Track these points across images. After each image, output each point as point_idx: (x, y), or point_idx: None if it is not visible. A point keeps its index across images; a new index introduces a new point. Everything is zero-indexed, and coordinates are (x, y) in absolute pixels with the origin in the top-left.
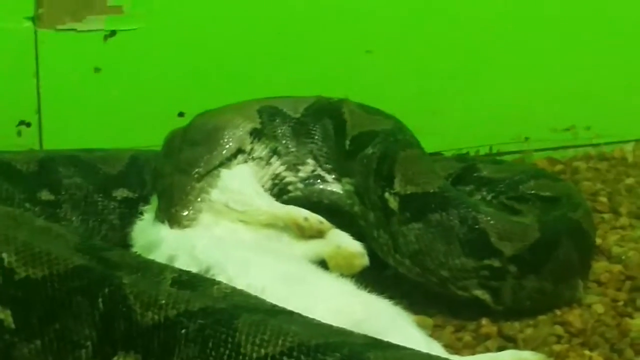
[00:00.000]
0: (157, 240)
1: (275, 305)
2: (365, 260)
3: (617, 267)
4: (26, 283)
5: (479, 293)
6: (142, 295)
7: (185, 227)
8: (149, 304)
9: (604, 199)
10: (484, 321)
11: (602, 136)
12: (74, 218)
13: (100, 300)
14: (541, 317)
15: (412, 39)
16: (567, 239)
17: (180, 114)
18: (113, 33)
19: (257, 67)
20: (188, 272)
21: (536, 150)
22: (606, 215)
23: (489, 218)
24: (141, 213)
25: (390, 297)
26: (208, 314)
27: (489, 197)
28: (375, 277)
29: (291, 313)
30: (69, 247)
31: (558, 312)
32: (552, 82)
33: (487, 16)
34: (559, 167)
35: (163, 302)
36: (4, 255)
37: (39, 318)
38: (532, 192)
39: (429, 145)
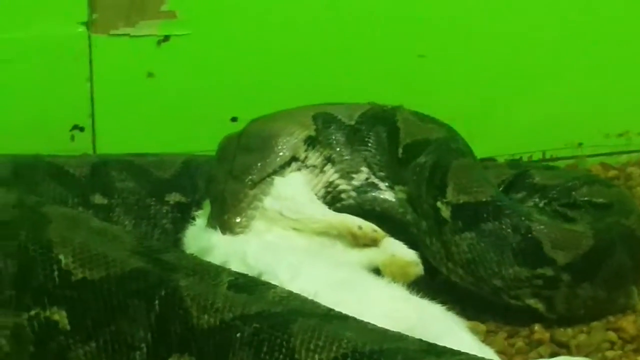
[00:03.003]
0: (209, 246)
1: (331, 310)
2: (420, 269)
3: None
4: (83, 285)
5: (532, 302)
6: (198, 298)
7: (237, 233)
8: (205, 307)
9: None
10: (537, 327)
11: None
12: (126, 222)
13: (156, 302)
14: (594, 324)
15: (464, 44)
16: (620, 246)
17: (233, 119)
18: (166, 38)
19: (309, 72)
20: (245, 276)
21: (589, 156)
22: None
23: (542, 227)
24: (193, 218)
25: (443, 303)
26: (264, 318)
27: (541, 204)
28: (427, 283)
29: (346, 318)
30: (126, 249)
31: (611, 319)
32: (606, 87)
33: (540, 20)
34: (612, 173)
35: (219, 305)
36: (61, 256)
37: (95, 320)
38: (585, 198)
39: (481, 150)
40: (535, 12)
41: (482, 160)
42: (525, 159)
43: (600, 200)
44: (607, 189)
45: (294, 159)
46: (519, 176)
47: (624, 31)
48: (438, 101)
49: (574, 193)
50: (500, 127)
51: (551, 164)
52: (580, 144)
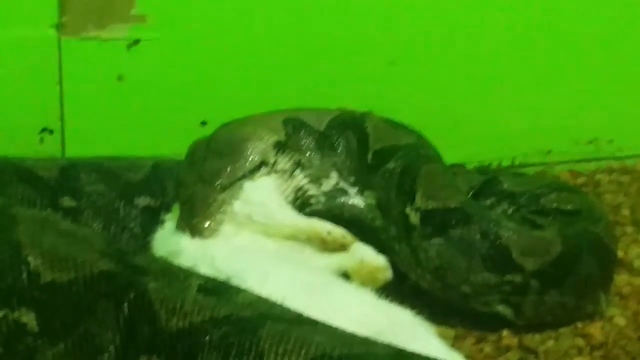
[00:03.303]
0: (177, 250)
1: (300, 314)
2: (389, 274)
3: (639, 280)
4: (51, 286)
5: (500, 308)
6: (167, 301)
7: (206, 237)
8: (174, 309)
9: (626, 212)
10: (505, 333)
11: (625, 149)
12: (95, 225)
13: (125, 305)
14: (562, 330)
15: (435, 51)
16: (588, 253)
17: (203, 123)
18: (136, 41)
19: (279, 77)
20: (214, 279)
21: (558, 163)
22: (628, 229)
23: (510, 233)
24: (162, 222)
25: (412, 308)
26: (233, 321)
27: (510, 211)
28: (396, 288)
29: (316, 322)
30: (95, 251)
31: (579, 325)
32: (575, 94)
33: (511, 28)
34: (581, 180)
35: (188, 308)
36: (30, 258)
37: (63, 322)
38: (554, 205)
39: (451, 156)
40: (505, 20)
41: (452, 166)
42: (494, 165)
43: (569, 207)
44: (576, 196)
45: (263, 163)
46: (488, 182)
47: (593, 40)
48: (408, 107)
49: (542, 200)
50: (470, 133)
51: (520, 170)
52: (549, 151)
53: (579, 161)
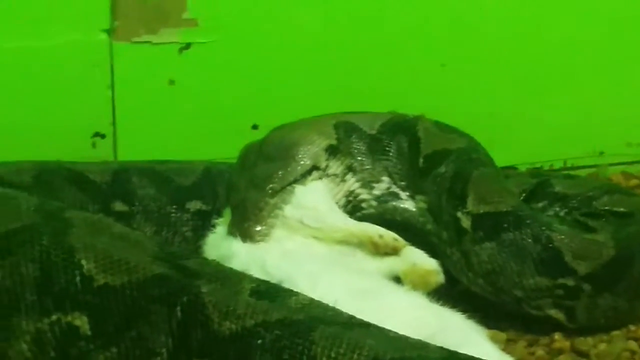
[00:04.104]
0: (229, 254)
1: (353, 317)
2: (440, 278)
3: None
4: (104, 290)
5: (553, 312)
6: (220, 304)
7: (257, 242)
8: (227, 313)
9: None
10: (557, 336)
11: None
12: (147, 229)
13: (178, 308)
14: (615, 333)
15: (485, 52)
16: None
17: (254, 127)
18: (188, 45)
19: (330, 80)
20: (266, 283)
21: (611, 165)
22: None
23: (563, 236)
24: (214, 226)
25: (463, 311)
26: (285, 325)
27: (562, 213)
28: (447, 291)
29: (368, 325)
30: (148, 254)
31: (632, 328)
32: (627, 95)
33: (562, 29)
34: (633, 182)
35: (241, 312)
36: (83, 261)
37: (116, 325)
38: (606, 207)
39: (502, 159)
40: (556, 21)
41: (503, 168)
42: (546, 167)
43: (621, 209)
44: (628, 198)
45: (315, 167)
46: (539, 185)
47: None
48: (459, 110)
49: (594, 202)
50: (522, 135)
51: (572, 172)
52: (601, 153)
53: (632, 163)
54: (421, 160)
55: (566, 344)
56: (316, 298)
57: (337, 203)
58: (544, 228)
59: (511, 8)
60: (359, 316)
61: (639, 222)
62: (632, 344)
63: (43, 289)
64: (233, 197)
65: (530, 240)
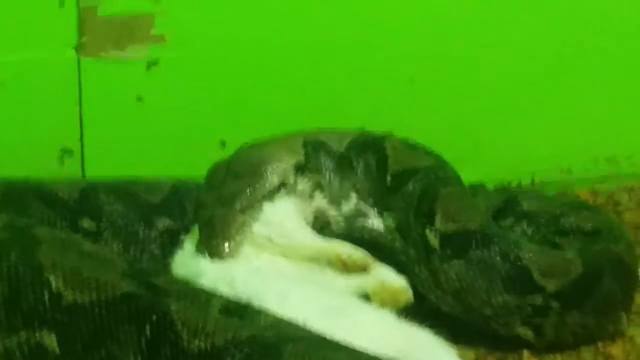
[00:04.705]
0: (197, 272)
1: (322, 336)
2: (410, 295)
3: None
4: (73, 308)
5: (521, 330)
6: (189, 322)
7: (225, 259)
8: (196, 331)
9: None
10: (526, 353)
11: None
12: (114, 247)
13: (147, 327)
14: (583, 350)
15: (454, 68)
16: (609, 272)
17: (222, 143)
18: (155, 62)
19: (299, 96)
20: (236, 301)
21: (578, 181)
22: None
23: (530, 254)
24: (182, 243)
25: (432, 328)
26: (255, 343)
27: (529, 231)
28: (416, 308)
29: (337, 343)
30: (117, 272)
31: (600, 345)
32: (594, 111)
33: (529, 47)
34: (601, 199)
35: (210, 329)
36: (52, 279)
37: (85, 344)
38: (574, 225)
39: (470, 175)
40: (523, 39)
41: (471, 185)
42: (514, 184)
43: (589, 226)
44: (596, 215)
45: (283, 185)
46: (507, 203)
47: (611, 56)
48: (428, 125)
49: (562, 220)
50: (490, 152)
51: (540, 189)
52: (569, 170)
53: (599, 180)
54: (389, 178)
55: None
56: (285, 316)
57: (305, 220)
58: (512, 246)
59: (480, 24)
60: (328, 334)
61: (606, 240)
62: None
63: (11, 307)
64: (201, 214)
65: (498, 258)
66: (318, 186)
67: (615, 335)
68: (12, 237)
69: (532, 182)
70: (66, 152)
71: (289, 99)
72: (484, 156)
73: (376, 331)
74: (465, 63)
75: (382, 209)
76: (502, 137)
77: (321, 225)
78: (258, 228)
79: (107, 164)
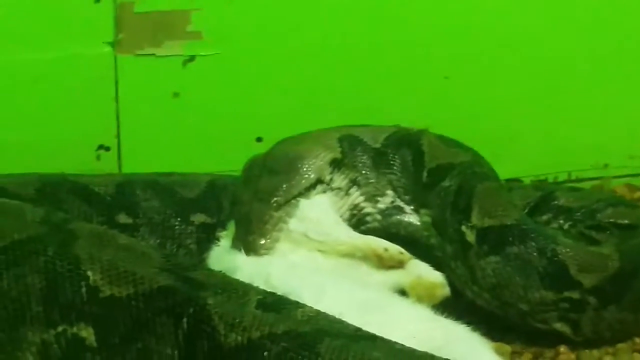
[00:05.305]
0: (233, 267)
1: (359, 330)
2: (446, 290)
3: None
4: (110, 301)
5: (558, 326)
6: (226, 316)
7: (261, 255)
8: (233, 325)
9: None
10: (562, 349)
11: None
12: (151, 242)
13: (184, 320)
14: (620, 345)
15: (489, 65)
16: None
17: (259, 139)
18: (192, 58)
19: (335, 93)
20: (273, 294)
21: (615, 177)
22: None
23: (567, 250)
24: (218, 239)
25: (468, 324)
26: (292, 337)
27: (566, 226)
28: (452, 304)
29: (374, 338)
30: (154, 266)
31: (637, 340)
32: (632, 108)
33: (566, 42)
34: (638, 194)
35: (247, 324)
36: (89, 273)
37: (122, 337)
38: (610, 220)
39: (507, 171)
40: (561, 34)
41: (508, 181)
42: (550, 179)
43: (625, 221)
44: (632, 210)
45: (319, 181)
46: (544, 198)
47: None
48: (463, 122)
49: (598, 215)
50: (526, 147)
51: (576, 185)
52: (605, 165)
53: (636, 175)
54: (425, 174)
55: (571, 356)
56: (323, 311)
57: (341, 217)
58: (548, 241)
59: (516, 21)
60: (365, 329)
61: None
62: (638, 357)
63: (49, 300)
64: (237, 210)
65: (535, 253)
66: (354, 182)
67: None
68: (49, 231)
69: (569, 178)
70: (103, 148)
71: (325, 95)
72: (520, 152)
73: (413, 326)
74: (500, 60)
75: (419, 205)
76: (538, 133)
77: (357, 222)
78: (294, 224)
79: (143, 160)
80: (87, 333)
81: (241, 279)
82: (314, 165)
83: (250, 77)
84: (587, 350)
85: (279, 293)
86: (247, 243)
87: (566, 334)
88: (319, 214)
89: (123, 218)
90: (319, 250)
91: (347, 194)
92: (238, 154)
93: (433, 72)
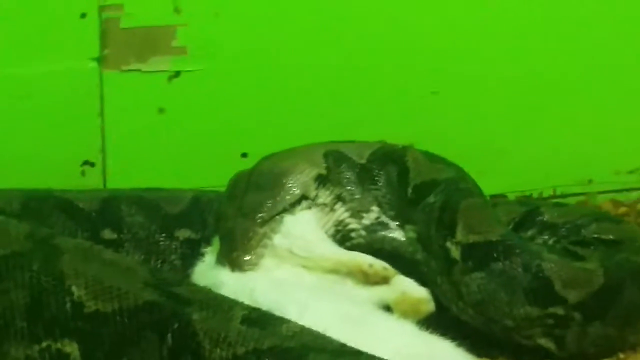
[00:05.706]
0: (217, 283)
1: (344, 345)
2: (431, 306)
3: None
4: (95, 317)
5: (543, 341)
6: (211, 331)
7: (246, 271)
8: (218, 340)
9: None
10: None
11: None
12: (136, 257)
13: (169, 335)
14: None
15: (476, 81)
16: (631, 283)
17: (244, 155)
18: (177, 74)
19: (320, 109)
20: (258, 310)
21: (600, 193)
22: None
23: (552, 265)
24: (202, 255)
25: (453, 339)
26: (276, 353)
27: (551, 242)
28: (437, 319)
29: (359, 353)
30: (139, 281)
31: (622, 356)
32: (616, 123)
33: (552, 58)
34: (622, 210)
35: (232, 339)
36: (74, 288)
37: (106, 352)
38: (595, 235)
39: (492, 186)
40: (546, 50)
41: (493, 196)
42: (535, 195)
43: (610, 237)
44: (617, 226)
45: (304, 197)
46: (528, 214)
47: (634, 69)
48: (450, 137)
49: (583, 230)
50: (511, 163)
51: (561, 200)
52: (590, 181)
53: (621, 191)
54: (410, 190)
55: None
56: (307, 326)
57: (326, 232)
58: (533, 257)
59: (503, 38)
60: (349, 344)
61: (628, 250)
62: None
63: (33, 316)
64: (222, 225)
65: (519, 269)
66: (339, 198)
67: (636, 345)
68: (34, 246)
69: (554, 194)
70: (88, 163)
71: (310, 111)
72: (505, 167)
73: (397, 341)
74: (486, 76)
75: (404, 221)
76: (523, 149)
77: (342, 237)
78: (279, 240)
79: (128, 175)
80: (72, 348)
81: (226, 295)
82: (299, 181)
83: (236, 93)
84: None
85: (263, 309)
86: (231, 259)
87: (551, 350)
88: (304, 230)
89: (108, 234)
90: (304, 266)
91: (332, 209)
92: (223, 170)
93: (421, 87)
